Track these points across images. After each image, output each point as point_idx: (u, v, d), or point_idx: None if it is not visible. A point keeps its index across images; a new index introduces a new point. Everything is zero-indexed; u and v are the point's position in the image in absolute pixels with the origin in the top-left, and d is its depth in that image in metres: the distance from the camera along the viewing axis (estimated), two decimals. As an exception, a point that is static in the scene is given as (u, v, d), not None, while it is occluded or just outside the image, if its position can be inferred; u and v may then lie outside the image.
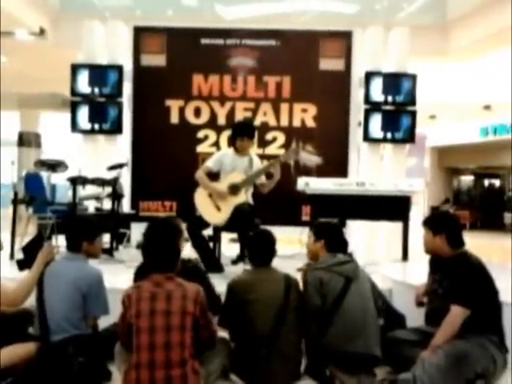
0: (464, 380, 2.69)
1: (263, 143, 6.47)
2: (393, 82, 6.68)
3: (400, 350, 2.94)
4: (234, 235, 5.21)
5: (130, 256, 5.16)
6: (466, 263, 2.91)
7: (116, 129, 6.74)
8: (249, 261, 3.08)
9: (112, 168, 5.71)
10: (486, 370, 2.74)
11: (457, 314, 2.78)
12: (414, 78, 6.66)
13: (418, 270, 3.73)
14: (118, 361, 2.73)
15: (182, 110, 6.58)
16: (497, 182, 20.38)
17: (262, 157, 5.91)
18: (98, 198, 5.74)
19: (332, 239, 3.13)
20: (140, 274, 2.82)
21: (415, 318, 3.23)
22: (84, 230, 3.06)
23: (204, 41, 6.65)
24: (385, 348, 2.92)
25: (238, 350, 2.91)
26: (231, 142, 4.89)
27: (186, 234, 4.68)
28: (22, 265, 3.22)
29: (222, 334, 2.95)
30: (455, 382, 2.67)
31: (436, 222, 3.10)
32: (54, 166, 5.69)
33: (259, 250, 3.02)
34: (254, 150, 5.68)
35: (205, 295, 2.55)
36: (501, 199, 18.86)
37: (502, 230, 16.44)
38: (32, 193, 5.68)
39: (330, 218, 3.58)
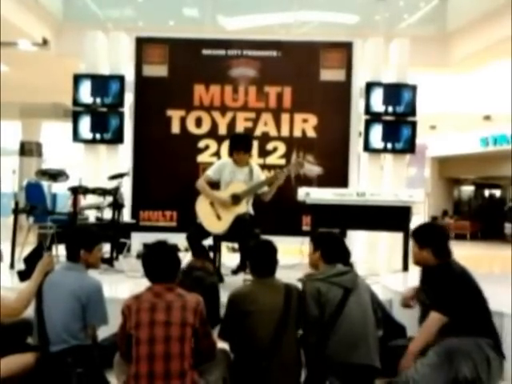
0: (458, 373, 2.67)
1: (264, 153, 6.47)
2: (393, 92, 6.69)
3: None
4: (235, 244, 5.21)
5: (130, 266, 5.16)
6: (446, 272, 2.92)
7: (117, 139, 6.76)
8: (250, 272, 3.07)
9: (113, 178, 5.71)
10: (480, 368, 2.71)
11: (433, 319, 2.80)
12: (414, 88, 6.68)
13: (418, 281, 3.72)
14: (117, 371, 2.72)
15: (183, 120, 6.58)
16: (497, 193, 20.38)
17: (263, 167, 5.93)
18: (98, 208, 5.73)
19: (328, 250, 3.10)
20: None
21: (415, 328, 3.21)
22: (81, 238, 3.05)
23: (205, 51, 6.66)
24: (385, 359, 2.90)
25: (238, 361, 2.90)
26: (229, 153, 4.90)
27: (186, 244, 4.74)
28: (24, 275, 3.22)
29: (223, 345, 2.94)
30: (449, 376, 2.67)
31: (422, 235, 3.09)
32: (55, 175, 5.69)
33: (261, 260, 3.00)
34: (255, 160, 5.69)
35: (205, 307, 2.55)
36: (501, 209, 18.83)
37: (503, 240, 16.39)
38: (33, 202, 5.67)
39: (330, 228, 3.57)
